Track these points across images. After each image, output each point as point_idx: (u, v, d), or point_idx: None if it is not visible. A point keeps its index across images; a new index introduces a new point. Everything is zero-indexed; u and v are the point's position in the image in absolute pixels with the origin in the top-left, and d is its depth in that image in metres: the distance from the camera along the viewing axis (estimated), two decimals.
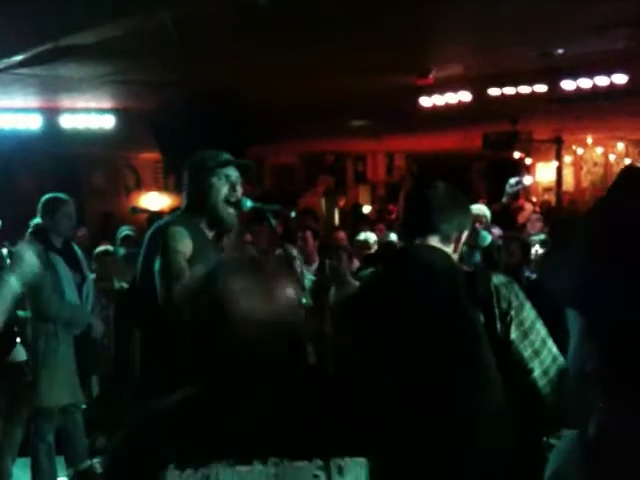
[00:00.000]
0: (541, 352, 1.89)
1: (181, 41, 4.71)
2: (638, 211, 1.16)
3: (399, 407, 1.87)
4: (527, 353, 1.87)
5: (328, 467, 1.27)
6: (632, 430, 1.14)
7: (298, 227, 7.62)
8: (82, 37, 4.96)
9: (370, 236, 5.95)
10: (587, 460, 1.23)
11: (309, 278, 5.11)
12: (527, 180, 6.29)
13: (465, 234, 2.10)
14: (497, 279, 1.92)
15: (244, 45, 5.56)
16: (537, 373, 1.88)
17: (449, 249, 2.05)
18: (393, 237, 6.14)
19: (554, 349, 1.92)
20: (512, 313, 1.87)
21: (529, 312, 1.91)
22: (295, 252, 4.66)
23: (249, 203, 2.93)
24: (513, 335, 1.87)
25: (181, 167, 3.00)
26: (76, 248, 4.60)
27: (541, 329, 1.92)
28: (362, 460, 1.30)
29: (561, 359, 1.91)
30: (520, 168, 14.78)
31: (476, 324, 1.86)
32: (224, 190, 2.84)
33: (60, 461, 4.65)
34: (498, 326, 1.86)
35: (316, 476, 1.27)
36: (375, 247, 5.66)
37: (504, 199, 6.63)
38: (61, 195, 4.45)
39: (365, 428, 1.37)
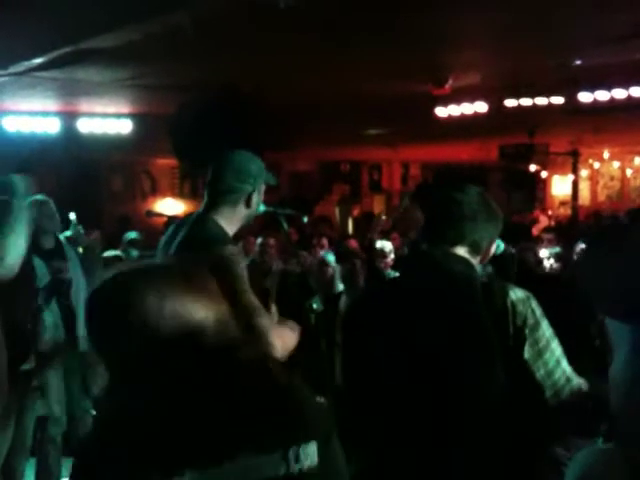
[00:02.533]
0: (555, 374, 1.83)
1: (199, 45, 4.74)
2: None
3: (404, 413, 1.85)
4: (540, 373, 1.82)
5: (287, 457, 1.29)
6: None
7: (313, 234, 7.68)
8: (101, 41, 5.01)
9: (386, 244, 5.96)
10: None
11: None
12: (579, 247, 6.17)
13: (494, 244, 2.01)
14: (514, 294, 1.85)
15: (262, 50, 5.59)
16: (549, 394, 1.82)
17: (476, 260, 1.96)
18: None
19: (568, 370, 1.86)
20: (527, 331, 1.81)
21: (545, 331, 1.84)
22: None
23: (262, 207, 2.92)
24: (527, 355, 1.81)
25: (197, 173, 2.94)
26: (66, 247, 4.52)
27: (556, 349, 1.85)
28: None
29: (576, 380, 1.85)
30: (536, 180, 14.72)
31: (490, 339, 1.80)
32: (259, 200, 2.72)
33: (69, 464, 4.66)
34: (511, 343, 1.81)
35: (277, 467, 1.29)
36: (391, 256, 5.68)
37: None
38: (39, 196, 4.46)
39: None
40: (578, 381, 1.87)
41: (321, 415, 1.39)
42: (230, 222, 2.63)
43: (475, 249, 1.94)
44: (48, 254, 4.30)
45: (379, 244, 5.96)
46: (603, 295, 1.10)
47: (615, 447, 1.15)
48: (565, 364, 1.86)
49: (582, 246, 4.86)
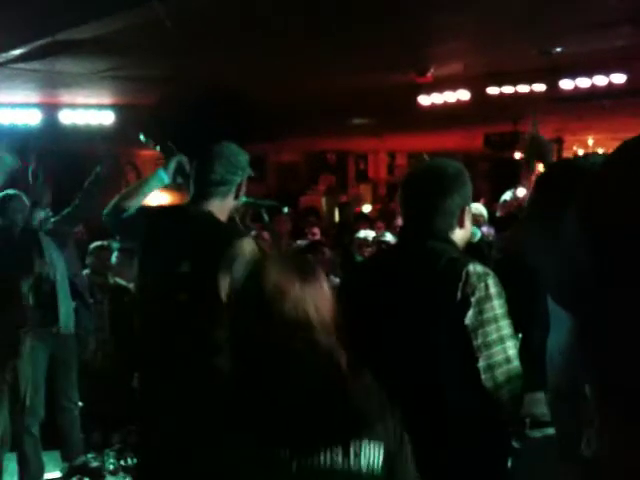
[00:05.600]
0: (493, 347, 1.82)
1: (180, 35, 4.71)
2: None
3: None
4: (477, 342, 1.81)
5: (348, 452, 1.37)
6: None
7: (303, 225, 7.78)
8: (80, 32, 4.96)
9: (370, 234, 6.03)
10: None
11: None
12: (520, 192, 6.26)
13: (468, 209, 2.04)
14: (473, 267, 1.87)
15: (244, 41, 5.56)
16: (481, 364, 1.82)
17: (454, 229, 2.01)
18: (388, 237, 6.18)
19: (511, 352, 1.85)
20: (473, 300, 1.82)
21: (496, 307, 1.84)
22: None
23: (243, 198, 2.91)
24: (467, 321, 1.82)
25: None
26: (40, 235, 4.49)
27: (504, 328, 1.85)
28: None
29: (515, 365, 1.84)
30: (521, 168, 14.74)
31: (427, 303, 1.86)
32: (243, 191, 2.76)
33: (55, 456, 4.66)
34: (455, 309, 1.82)
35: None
36: (374, 245, 5.72)
37: (498, 213, 6.60)
38: (9, 191, 4.47)
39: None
40: (518, 367, 1.85)
41: (388, 419, 1.43)
42: (221, 214, 2.66)
43: (449, 221, 1.99)
44: (25, 249, 4.28)
45: (362, 233, 6.00)
46: (545, 279, 1.10)
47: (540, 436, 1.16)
48: (510, 346, 1.85)
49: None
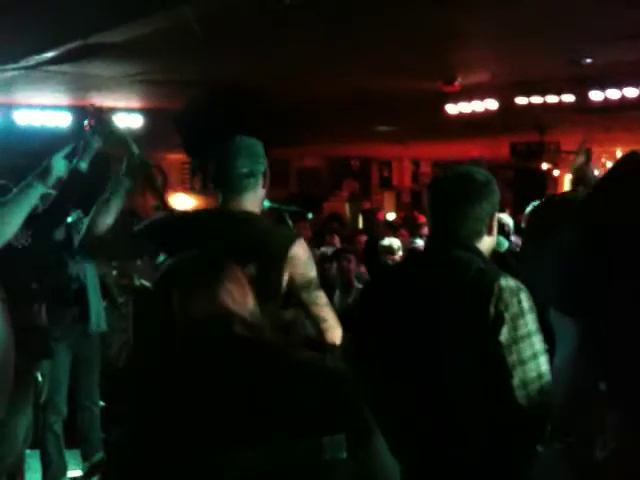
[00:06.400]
0: (527, 363, 1.81)
1: (207, 40, 4.74)
2: None
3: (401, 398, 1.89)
4: (512, 359, 1.80)
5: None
6: None
7: (325, 231, 7.80)
8: (110, 35, 5.02)
9: (394, 241, 6.05)
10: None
11: None
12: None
13: (495, 218, 2.02)
14: (505, 281, 1.85)
15: (271, 46, 5.58)
16: (516, 382, 1.80)
17: (481, 238, 1.98)
18: (419, 242, 6.23)
19: (544, 368, 1.83)
20: (507, 316, 1.81)
21: (528, 323, 1.83)
22: None
23: (267, 203, 2.91)
24: (502, 337, 1.80)
25: (205, 168, 2.94)
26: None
27: (537, 344, 1.83)
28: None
29: (547, 380, 1.83)
30: (547, 179, 14.64)
31: (463, 318, 1.84)
32: None
33: (76, 455, 4.69)
34: (490, 325, 1.81)
35: None
36: (399, 253, 5.77)
37: (523, 224, 6.56)
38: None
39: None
40: (550, 382, 1.84)
41: (356, 410, 1.42)
42: (255, 206, 2.66)
43: (478, 228, 1.97)
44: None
45: (387, 241, 6.00)
46: (544, 294, 1.12)
47: (559, 446, 1.16)
48: (543, 361, 1.83)
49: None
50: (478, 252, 1.97)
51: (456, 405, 1.84)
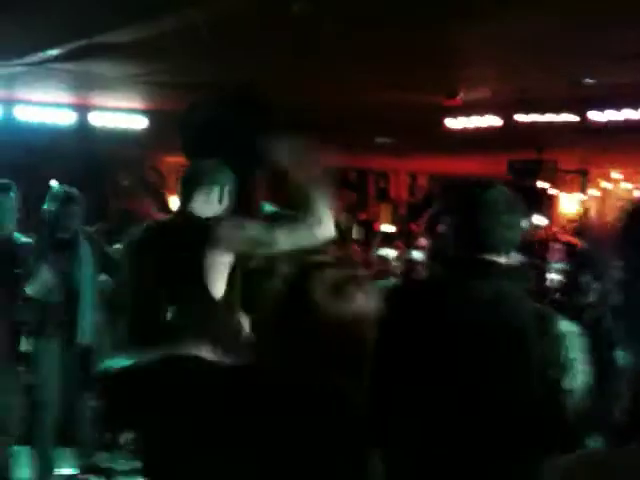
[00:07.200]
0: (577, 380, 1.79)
1: (213, 43, 4.76)
2: None
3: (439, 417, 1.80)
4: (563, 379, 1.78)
5: None
6: None
7: None
8: (116, 35, 5.04)
9: (390, 252, 6.06)
10: None
11: None
12: (537, 220, 6.28)
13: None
14: (564, 326, 1.80)
15: (275, 55, 5.60)
16: (568, 402, 1.77)
17: (505, 260, 1.87)
18: (415, 255, 6.21)
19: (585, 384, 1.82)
20: (567, 364, 1.77)
21: (583, 364, 1.80)
22: None
23: (268, 208, 2.93)
24: (567, 385, 1.76)
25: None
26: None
27: (584, 374, 1.82)
28: None
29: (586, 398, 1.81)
30: (543, 198, 14.68)
31: (533, 358, 1.76)
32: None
33: (69, 453, 4.67)
34: (555, 372, 1.76)
35: None
36: (395, 263, 5.77)
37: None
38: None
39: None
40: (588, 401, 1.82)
41: None
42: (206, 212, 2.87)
43: (507, 251, 1.85)
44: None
45: (383, 251, 6.02)
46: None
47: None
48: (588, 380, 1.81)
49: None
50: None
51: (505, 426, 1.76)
